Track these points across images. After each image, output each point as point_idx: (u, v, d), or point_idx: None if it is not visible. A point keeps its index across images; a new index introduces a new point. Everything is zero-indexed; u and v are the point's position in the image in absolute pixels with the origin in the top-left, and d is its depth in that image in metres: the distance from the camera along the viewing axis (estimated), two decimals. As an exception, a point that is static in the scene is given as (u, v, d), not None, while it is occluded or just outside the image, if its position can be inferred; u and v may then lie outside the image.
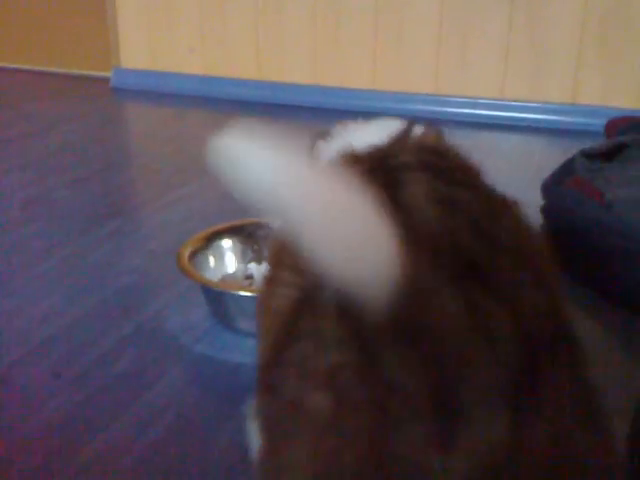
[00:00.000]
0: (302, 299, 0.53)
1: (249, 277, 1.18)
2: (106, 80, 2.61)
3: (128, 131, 2.31)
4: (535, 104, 2.13)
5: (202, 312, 1.12)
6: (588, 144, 1.52)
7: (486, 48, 2.15)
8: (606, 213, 1.24)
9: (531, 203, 1.39)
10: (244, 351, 1.02)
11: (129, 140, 2.20)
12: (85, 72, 2.73)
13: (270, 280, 0.61)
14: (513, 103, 2.15)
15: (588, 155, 1.44)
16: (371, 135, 0.75)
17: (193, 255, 1.13)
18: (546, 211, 1.35)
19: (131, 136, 2.25)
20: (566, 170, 1.44)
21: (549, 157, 1.72)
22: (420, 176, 0.59)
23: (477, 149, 1.81)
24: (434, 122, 0.79)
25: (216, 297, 1.06)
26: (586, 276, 1.19)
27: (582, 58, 2.07)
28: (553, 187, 1.37)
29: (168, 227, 1.43)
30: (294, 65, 2.40)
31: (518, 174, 1.67)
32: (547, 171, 1.46)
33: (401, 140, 0.74)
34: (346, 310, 0.46)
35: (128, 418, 0.90)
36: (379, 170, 0.67)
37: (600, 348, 1.05)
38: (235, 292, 1.04)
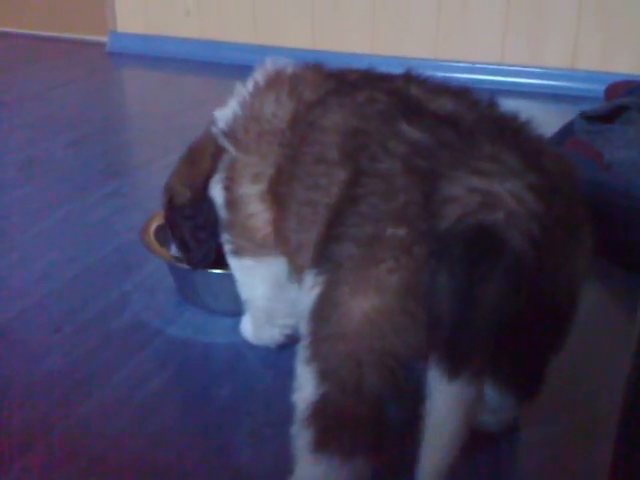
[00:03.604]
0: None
1: None
2: (102, 45, 2.58)
3: (125, 95, 2.29)
4: (534, 69, 2.11)
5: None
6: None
7: (486, 12, 2.13)
8: (605, 174, 1.24)
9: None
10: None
11: (126, 104, 2.19)
12: (81, 36, 2.70)
13: None
14: (513, 68, 2.13)
15: (588, 117, 1.44)
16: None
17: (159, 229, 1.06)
18: (545, 173, 1.34)
19: (128, 100, 2.24)
20: (565, 132, 1.44)
21: (548, 122, 1.71)
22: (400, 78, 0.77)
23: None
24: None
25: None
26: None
27: (582, 23, 2.05)
28: (552, 149, 1.37)
29: (166, 188, 1.42)
30: (291, 29, 2.37)
31: (517, 138, 1.67)
32: (545, 136, 1.45)
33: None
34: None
35: (128, 371, 0.91)
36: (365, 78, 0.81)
37: (599, 304, 1.06)
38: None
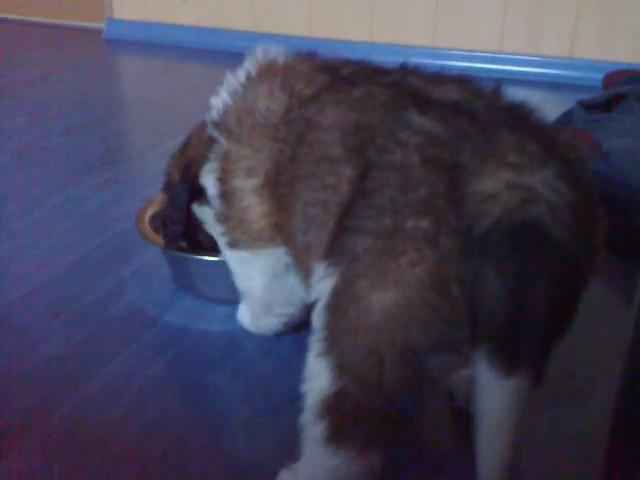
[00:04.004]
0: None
1: None
2: (99, 31, 2.57)
3: (121, 82, 2.28)
4: (533, 57, 2.11)
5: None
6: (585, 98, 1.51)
7: (484, 0, 2.12)
8: (603, 163, 1.24)
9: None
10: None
11: (123, 91, 2.18)
12: (77, 23, 2.69)
13: None
14: (511, 56, 2.13)
15: (586, 106, 1.44)
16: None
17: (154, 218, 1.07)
18: (542, 161, 1.34)
19: (125, 87, 2.23)
20: (564, 120, 1.44)
21: (546, 111, 1.71)
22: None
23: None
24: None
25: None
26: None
27: (580, 11, 2.04)
28: (550, 137, 1.37)
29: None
30: (289, 16, 2.36)
31: (514, 127, 1.66)
32: (545, 123, 1.45)
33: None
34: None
35: (126, 358, 0.91)
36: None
37: (597, 293, 1.06)
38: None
